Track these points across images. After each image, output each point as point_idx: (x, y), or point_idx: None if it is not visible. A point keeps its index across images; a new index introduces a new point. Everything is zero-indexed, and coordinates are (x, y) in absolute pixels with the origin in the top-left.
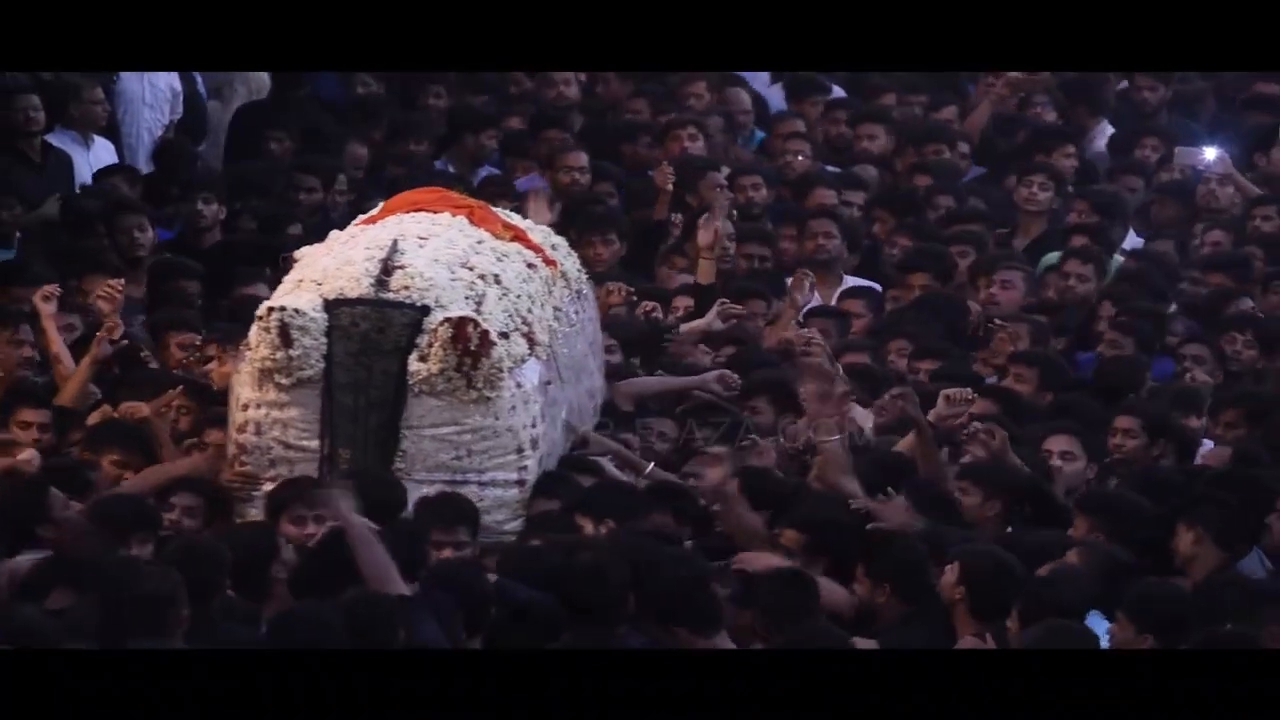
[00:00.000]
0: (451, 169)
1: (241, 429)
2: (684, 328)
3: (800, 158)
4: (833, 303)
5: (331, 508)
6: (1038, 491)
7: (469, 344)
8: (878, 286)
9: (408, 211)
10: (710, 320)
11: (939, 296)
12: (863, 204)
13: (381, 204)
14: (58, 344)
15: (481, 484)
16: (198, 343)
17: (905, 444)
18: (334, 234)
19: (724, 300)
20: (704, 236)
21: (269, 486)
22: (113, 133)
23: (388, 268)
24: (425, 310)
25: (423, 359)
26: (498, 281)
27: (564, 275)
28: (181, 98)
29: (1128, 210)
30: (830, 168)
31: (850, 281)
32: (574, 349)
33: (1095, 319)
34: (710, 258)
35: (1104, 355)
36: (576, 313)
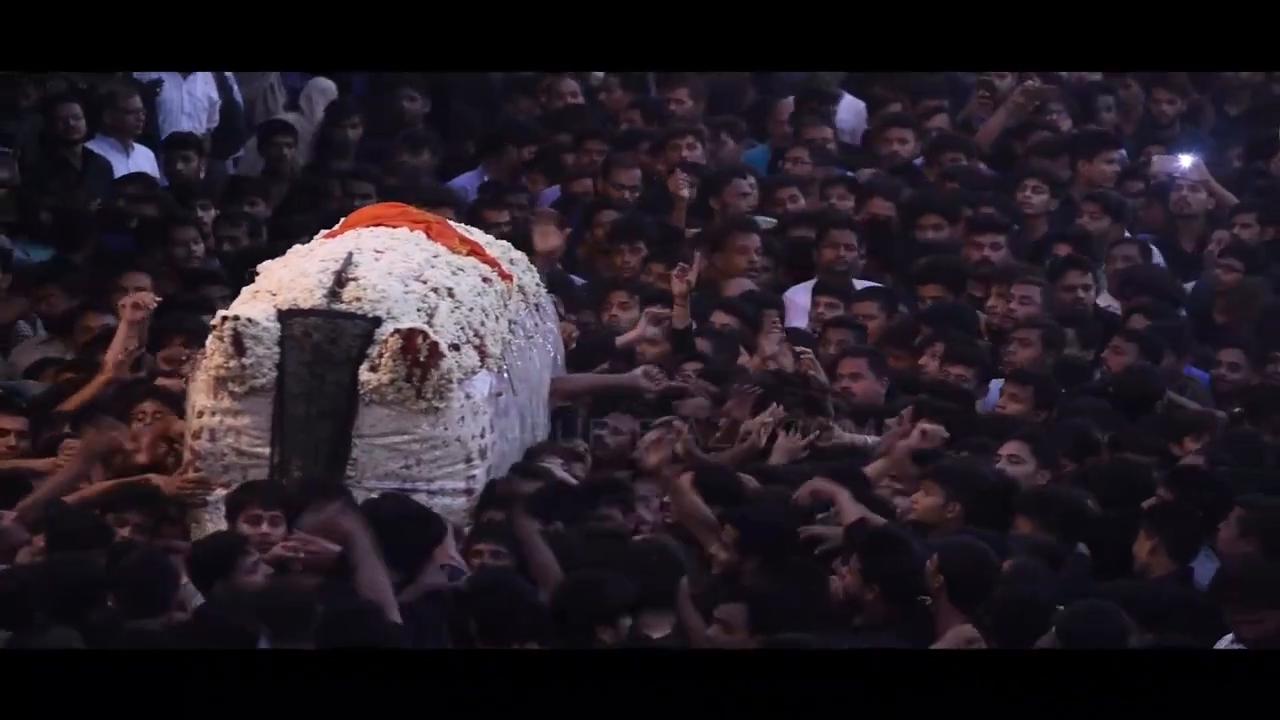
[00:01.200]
0: (486, 178)
1: (196, 435)
2: (619, 340)
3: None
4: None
5: (338, 523)
6: (1003, 495)
7: (418, 355)
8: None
9: (368, 226)
10: (642, 329)
11: (950, 306)
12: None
13: (343, 219)
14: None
15: (430, 492)
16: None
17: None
18: (295, 248)
19: (650, 309)
20: (677, 285)
21: (220, 493)
22: (152, 140)
23: (341, 279)
24: (377, 321)
25: (373, 369)
26: (451, 295)
27: (521, 289)
28: (218, 107)
29: (1130, 214)
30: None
31: (860, 284)
32: (528, 361)
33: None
34: (683, 303)
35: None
36: (534, 325)
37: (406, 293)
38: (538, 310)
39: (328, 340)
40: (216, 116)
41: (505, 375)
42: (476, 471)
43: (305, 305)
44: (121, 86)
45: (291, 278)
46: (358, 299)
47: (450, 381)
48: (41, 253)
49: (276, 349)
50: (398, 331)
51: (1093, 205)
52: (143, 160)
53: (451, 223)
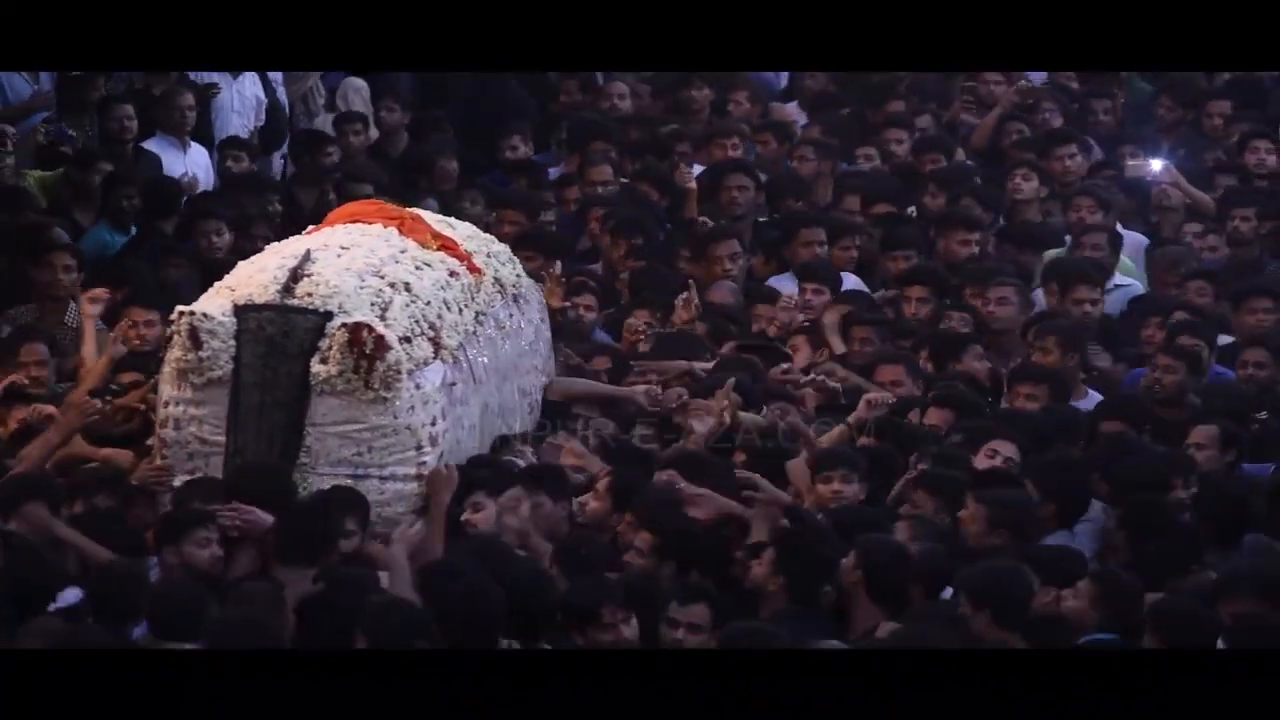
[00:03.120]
0: (563, 168)
1: (163, 424)
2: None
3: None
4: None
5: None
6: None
7: (364, 348)
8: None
9: (345, 222)
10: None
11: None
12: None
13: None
14: (89, 345)
15: (382, 478)
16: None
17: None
18: (270, 245)
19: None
20: (681, 315)
21: (181, 479)
22: (206, 138)
23: (296, 275)
24: (328, 316)
25: (323, 361)
26: (408, 289)
27: (498, 281)
28: (265, 106)
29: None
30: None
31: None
32: (499, 352)
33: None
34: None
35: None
36: (510, 317)
37: (361, 288)
38: (515, 301)
39: (281, 334)
40: (263, 115)
41: (464, 365)
42: (427, 458)
43: (260, 300)
44: (175, 87)
45: (250, 274)
46: (309, 294)
47: (399, 372)
48: (119, 238)
49: (233, 342)
50: (344, 326)
51: (1087, 200)
52: (198, 157)
53: (428, 215)
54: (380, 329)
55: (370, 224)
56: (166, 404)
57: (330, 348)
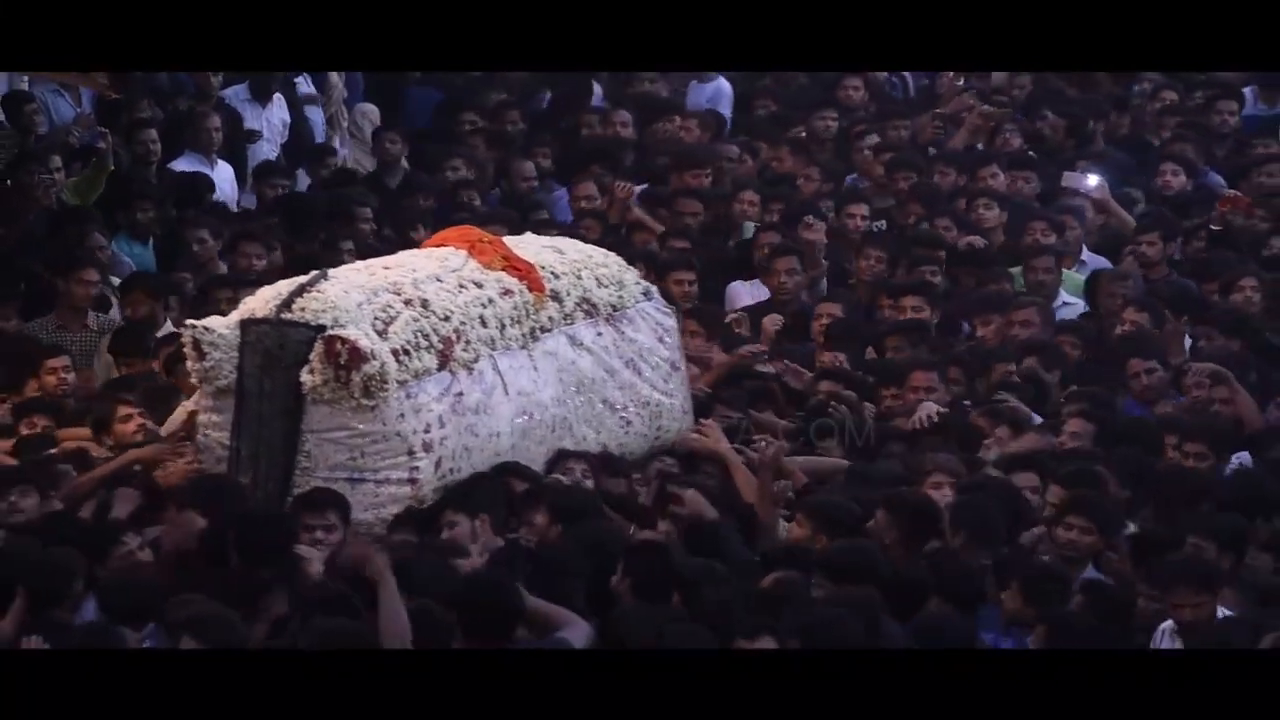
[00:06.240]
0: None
1: (196, 431)
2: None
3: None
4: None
5: (370, 563)
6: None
7: (338, 359)
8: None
9: (435, 246)
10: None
11: None
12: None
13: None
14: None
15: (377, 482)
16: None
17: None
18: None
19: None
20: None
21: None
22: (236, 159)
23: (301, 291)
24: (321, 329)
25: (311, 372)
26: (424, 305)
27: (586, 301)
28: (289, 126)
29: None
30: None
31: None
32: (568, 366)
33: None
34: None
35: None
36: (597, 335)
37: (367, 304)
38: (610, 321)
39: (277, 346)
40: (287, 134)
41: (487, 377)
42: (420, 463)
43: (260, 315)
44: (202, 107)
45: (262, 291)
46: (304, 309)
47: (383, 382)
48: (138, 249)
49: (235, 353)
50: (321, 338)
51: (1041, 223)
52: (225, 174)
53: (528, 238)
54: (358, 341)
55: (443, 247)
56: (196, 412)
57: (315, 359)
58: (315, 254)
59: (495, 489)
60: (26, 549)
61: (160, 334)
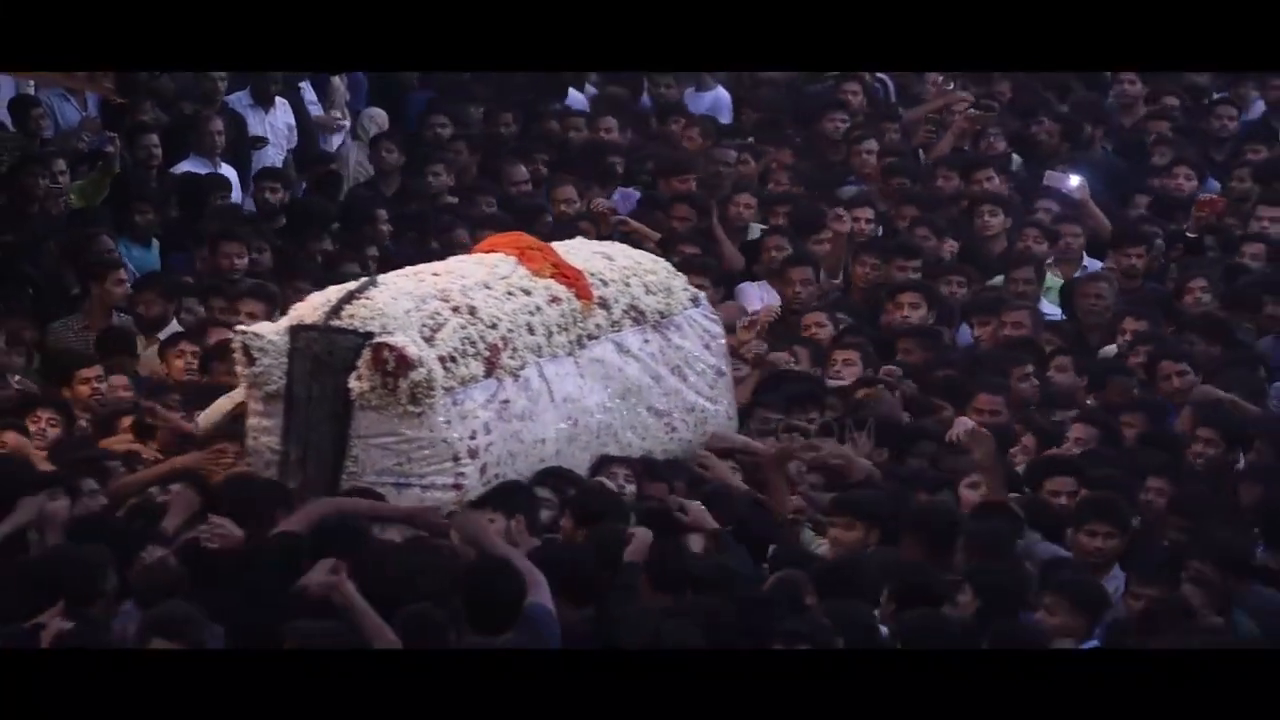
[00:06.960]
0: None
1: (247, 435)
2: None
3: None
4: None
5: (336, 592)
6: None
7: (386, 366)
8: None
9: (485, 251)
10: None
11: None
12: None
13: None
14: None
15: (423, 487)
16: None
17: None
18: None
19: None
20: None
21: None
22: (240, 163)
23: (350, 298)
24: (368, 336)
25: (358, 378)
26: (471, 312)
27: (634, 308)
28: (295, 131)
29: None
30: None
31: None
32: (615, 373)
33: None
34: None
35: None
36: (645, 342)
37: (415, 311)
38: (657, 328)
39: (325, 352)
40: (294, 138)
41: (534, 384)
42: (465, 469)
43: (309, 321)
44: (206, 111)
45: (311, 298)
46: (352, 316)
47: (430, 388)
48: (143, 252)
49: (284, 359)
50: (368, 345)
51: (1033, 230)
52: (229, 175)
53: (576, 243)
54: (406, 349)
55: (493, 254)
56: (246, 417)
57: (362, 365)
58: (331, 255)
59: (529, 493)
60: (59, 547)
61: (162, 335)
